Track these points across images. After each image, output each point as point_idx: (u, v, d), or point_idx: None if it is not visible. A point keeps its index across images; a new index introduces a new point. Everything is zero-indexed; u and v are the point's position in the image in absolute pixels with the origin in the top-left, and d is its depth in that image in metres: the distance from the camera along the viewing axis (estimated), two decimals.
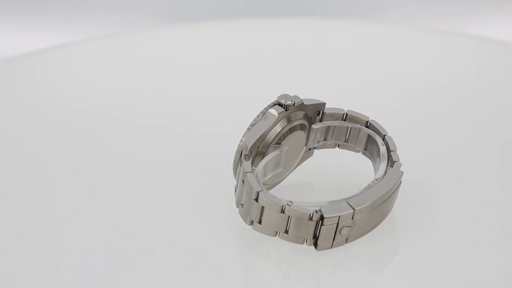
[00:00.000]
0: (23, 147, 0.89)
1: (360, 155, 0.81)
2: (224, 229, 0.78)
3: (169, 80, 1.05)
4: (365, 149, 0.80)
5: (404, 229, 0.77)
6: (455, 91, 1.02)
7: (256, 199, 0.70)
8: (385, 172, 0.74)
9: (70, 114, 0.96)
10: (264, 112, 0.76)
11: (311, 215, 0.69)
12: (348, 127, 0.80)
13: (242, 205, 0.73)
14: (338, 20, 1.25)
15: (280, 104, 0.76)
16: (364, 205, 0.70)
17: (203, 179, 0.83)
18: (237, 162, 0.76)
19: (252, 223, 0.72)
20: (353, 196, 0.71)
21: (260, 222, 0.72)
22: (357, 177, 0.82)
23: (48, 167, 0.85)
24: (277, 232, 0.72)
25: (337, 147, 0.82)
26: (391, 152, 0.76)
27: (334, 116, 0.80)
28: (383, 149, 0.77)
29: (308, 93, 0.79)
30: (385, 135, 0.78)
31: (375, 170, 0.78)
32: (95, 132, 0.92)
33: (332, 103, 0.80)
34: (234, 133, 0.79)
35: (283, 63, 1.09)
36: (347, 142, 0.81)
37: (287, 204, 0.70)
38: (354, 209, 0.69)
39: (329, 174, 0.84)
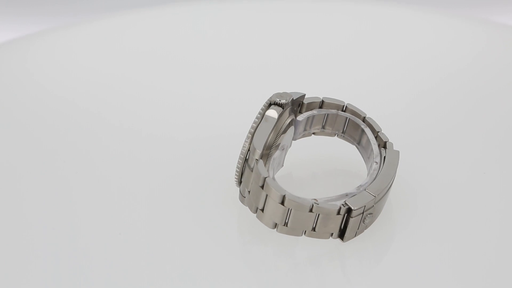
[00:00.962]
0: (17, 145, 0.88)
1: (336, 139, 0.83)
2: (223, 229, 0.78)
3: (161, 71, 1.02)
4: (343, 132, 0.82)
5: (398, 227, 0.79)
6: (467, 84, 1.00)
7: (282, 203, 0.71)
8: (380, 153, 0.78)
9: (58, 109, 0.93)
10: (262, 114, 0.75)
11: (339, 210, 0.71)
12: (325, 114, 0.82)
13: (262, 210, 0.72)
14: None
15: (276, 103, 0.76)
16: (383, 191, 0.73)
17: (202, 179, 0.83)
18: (242, 169, 0.75)
19: (276, 226, 0.73)
20: (369, 184, 0.74)
21: (286, 225, 0.72)
22: (339, 162, 0.85)
23: (47, 167, 0.84)
24: (303, 231, 0.73)
25: (312, 135, 0.84)
26: (378, 133, 0.79)
27: (312, 105, 0.81)
28: (367, 130, 0.80)
29: (306, 86, 0.80)
30: (364, 117, 0.81)
31: (362, 153, 0.81)
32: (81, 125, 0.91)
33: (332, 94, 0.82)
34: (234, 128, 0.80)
35: (282, 54, 1.06)
36: (324, 128, 0.83)
37: (315, 203, 0.71)
38: (375, 196, 0.72)
39: (309, 163, 0.85)
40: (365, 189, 0.73)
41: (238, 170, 0.75)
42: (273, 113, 0.75)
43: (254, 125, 0.75)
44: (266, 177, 0.71)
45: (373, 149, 0.78)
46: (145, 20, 1.14)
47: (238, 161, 0.75)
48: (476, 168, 0.85)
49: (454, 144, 0.89)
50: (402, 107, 0.94)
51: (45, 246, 0.74)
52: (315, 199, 0.71)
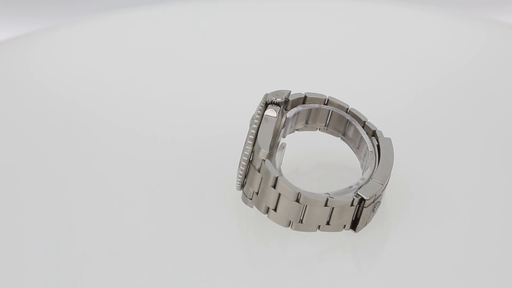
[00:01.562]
0: (16, 145, 0.87)
1: (318, 133, 0.84)
2: (225, 228, 0.78)
3: (162, 70, 1.01)
4: (326, 126, 0.84)
5: (394, 220, 0.80)
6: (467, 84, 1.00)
7: (297, 200, 0.71)
8: (371, 142, 0.79)
9: (58, 109, 0.93)
10: (261, 114, 0.75)
11: (353, 201, 0.72)
12: (309, 109, 0.82)
13: (275, 209, 0.72)
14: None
15: (273, 102, 0.76)
16: (388, 178, 0.75)
17: (202, 179, 0.82)
18: (245, 172, 0.74)
19: (290, 224, 0.73)
20: (371, 173, 0.75)
21: (301, 221, 0.72)
22: (322, 157, 0.86)
23: (47, 167, 0.84)
24: (318, 226, 0.73)
25: (296, 131, 0.84)
26: (365, 122, 0.81)
27: (297, 101, 0.82)
28: (354, 121, 0.81)
29: (308, 84, 0.80)
30: (347, 108, 0.82)
31: (350, 144, 0.82)
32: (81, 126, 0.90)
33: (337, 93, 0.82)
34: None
35: (283, 53, 1.05)
36: (307, 124, 0.83)
37: (329, 197, 0.72)
38: (382, 184, 0.74)
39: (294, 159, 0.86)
40: (371, 179, 0.74)
41: (241, 172, 0.74)
42: (272, 112, 0.75)
43: (255, 126, 0.74)
44: (278, 177, 0.71)
45: (364, 138, 0.80)
46: (146, 19, 1.13)
47: (241, 163, 0.74)
48: (475, 168, 0.85)
49: (454, 144, 0.89)
50: (402, 107, 0.95)
51: (45, 246, 0.74)
52: (328, 193, 0.72)
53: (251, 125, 0.75)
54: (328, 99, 0.82)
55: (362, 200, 0.73)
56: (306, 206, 0.71)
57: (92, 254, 0.74)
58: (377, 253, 0.77)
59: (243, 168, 0.74)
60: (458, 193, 0.81)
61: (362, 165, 0.80)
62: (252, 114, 0.77)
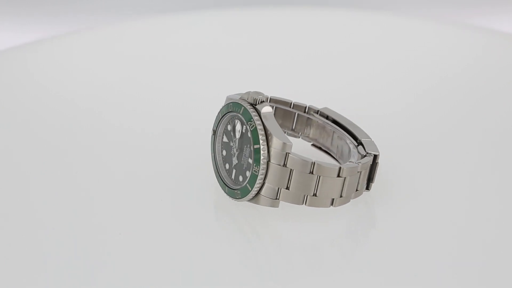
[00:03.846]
0: (18, 146, 0.89)
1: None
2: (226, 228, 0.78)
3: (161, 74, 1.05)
4: (293, 129, 0.85)
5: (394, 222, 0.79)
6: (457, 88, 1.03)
7: (339, 175, 0.73)
8: (321, 120, 0.83)
9: (62, 112, 0.96)
10: (257, 115, 0.74)
11: (373, 159, 0.76)
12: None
13: (315, 194, 0.73)
14: (327, 9, 1.24)
15: (259, 102, 0.75)
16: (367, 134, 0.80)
17: (204, 178, 0.81)
18: (266, 173, 0.73)
19: (333, 202, 0.74)
20: (352, 138, 0.80)
21: (341, 196, 0.74)
22: None
23: (47, 167, 0.85)
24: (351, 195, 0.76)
25: None
26: (308, 106, 0.84)
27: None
28: (297, 112, 0.84)
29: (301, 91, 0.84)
30: (291, 103, 0.84)
31: (311, 136, 0.85)
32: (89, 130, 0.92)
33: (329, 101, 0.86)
34: None
35: (273, 58, 1.08)
36: None
37: (356, 163, 0.75)
38: (371, 139, 0.79)
39: None
40: (361, 142, 0.79)
41: (262, 176, 0.73)
42: (268, 108, 0.75)
43: (260, 127, 0.73)
44: (314, 161, 0.72)
45: (313, 120, 0.84)
46: (147, 28, 1.20)
47: (262, 166, 0.72)
48: (475, 168, 0.86)
49: (454, 144, 0.91)
50: (396, 110, 0.99)
51: (44, 246, 0.73)
52: (342, 164, 0.75)
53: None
54: (270, 98, 0.84)
55: (376, 156, 0.77)
56: (346, 178, 0.73)
57: (91, 254, 0.72)
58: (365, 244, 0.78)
59: (263, 172, 0.73)
60: (458, 193, 0.82)
61: (336, 149, 0.83)
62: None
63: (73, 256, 0.71)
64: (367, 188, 0.78)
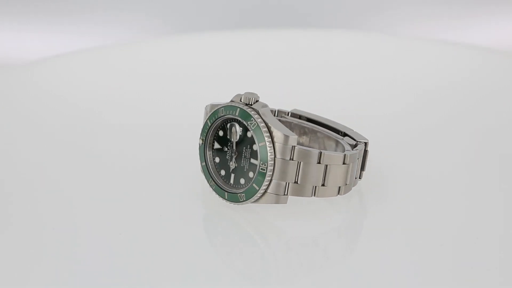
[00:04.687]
0: (23, 149, 0.91)
1: None
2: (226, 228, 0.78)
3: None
4: None
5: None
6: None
7: (344, 162, 0.75)
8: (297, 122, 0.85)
9: (70, 117, 0.99)
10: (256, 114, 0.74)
11: (365, 146, 0.79)
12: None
13: (323, 184, 0.74)
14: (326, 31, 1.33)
15: (254, 102, 0.75)
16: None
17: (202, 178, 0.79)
18: (273, 169, 0.73)
19: (339, 190, 0.76)
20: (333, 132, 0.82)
21: (346, 183, 0.76)
22: None
23: (47, 167, 0.86)
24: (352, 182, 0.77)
25: None
26: (277, 111, 0.85)
27: None
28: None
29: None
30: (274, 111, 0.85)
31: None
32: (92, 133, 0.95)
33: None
34: None
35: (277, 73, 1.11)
36: None
37: (354, 149, 0.77)
38: (353, 129, 0.82)
39: None
40: (346, 133, 0.81)
41: (270, 173, 0.73)
42: (266, 105, 0.74)
43: (263, 124, 0.73)
44: (320, 151, 0.73)
45: (289, 121, 0.85)
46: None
47: (269, 163, 0.72)
48: (474, 168, 0.88)
49: (453, 144, 0.93)
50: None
51: (44, 246, 0.73)
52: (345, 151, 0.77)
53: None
54: (277, 111, 0.86)
55: (366, 143, 0.79)
56: (350, 165, 0.75)
57: (92, 254, 0.72)
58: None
59: (272, 168, 0.73)
60: (458, 193, 0.83)
61: (319, 146, 0.84)
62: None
63: (73, 256, 0.71)
64: (360, 177, 0.80)
